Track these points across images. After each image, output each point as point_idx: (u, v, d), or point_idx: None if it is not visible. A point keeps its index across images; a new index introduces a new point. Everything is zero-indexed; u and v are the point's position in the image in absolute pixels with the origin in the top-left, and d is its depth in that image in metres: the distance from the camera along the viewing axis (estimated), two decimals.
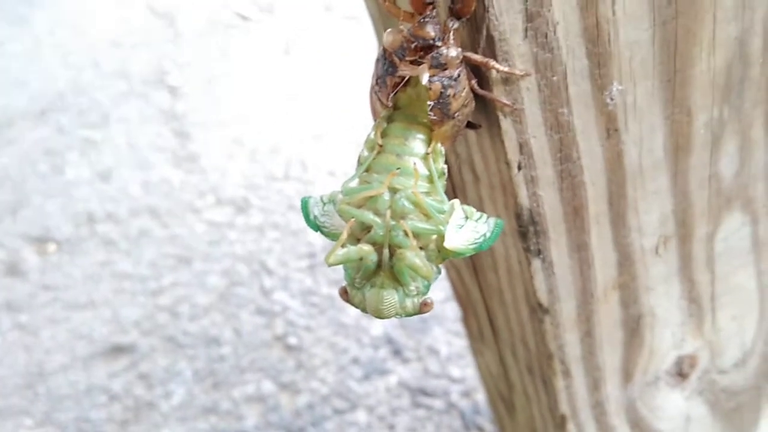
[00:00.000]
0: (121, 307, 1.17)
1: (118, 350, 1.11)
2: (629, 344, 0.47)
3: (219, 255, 1.22)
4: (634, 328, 0.47)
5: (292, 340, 1.08)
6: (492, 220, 0.32)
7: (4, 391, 1.10)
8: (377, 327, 1.09)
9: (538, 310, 0.43)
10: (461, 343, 1.06)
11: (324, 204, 0.33)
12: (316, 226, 0.33)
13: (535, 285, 0.42)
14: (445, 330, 1.08)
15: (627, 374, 0.49)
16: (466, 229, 0.32)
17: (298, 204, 1.31)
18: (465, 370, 1.03)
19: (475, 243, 0.32)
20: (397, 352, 1.06)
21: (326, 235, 0.33)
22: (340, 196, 0.32)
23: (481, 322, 0.59)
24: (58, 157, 1.46)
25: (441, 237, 0.31)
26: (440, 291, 1.12)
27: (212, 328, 1.11)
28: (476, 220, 0.32)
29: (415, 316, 1.08)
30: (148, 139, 1.47)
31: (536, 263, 0.41)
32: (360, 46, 1.59)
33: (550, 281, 0.42)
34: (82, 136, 1.49)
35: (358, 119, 1.41)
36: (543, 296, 0.42)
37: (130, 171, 1.40)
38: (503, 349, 0.56)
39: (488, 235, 0.32)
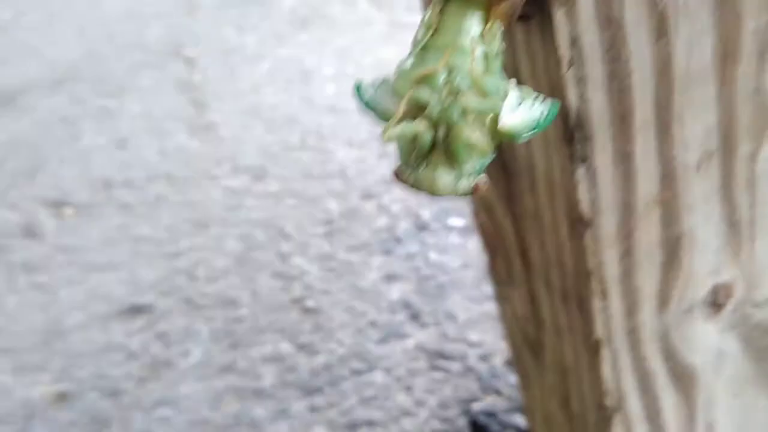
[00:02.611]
0: (138, 268, 1.17)
1: (135, 310, 1.11)
2: (667, 267, 0.47)
3: (236, 220, 1.23)
4: (672, 250, 0.47)
5: (310, 303, 1.08)
6: (548, 101, 0.32)
7: (21, 348, 1.10)
8: (395, 292, 1.09)
9: (579, 224, 0.43)
10: (479, 309, 1.06)
11: (378, 86, 0.33)
12: (370, 108, 0.33)
13: (579, 195, 0.41)
14: (463, 296, 1.08)
15: (663, 300, 0.49)
16: (522, 109, 0.32)
17: (316, 172, 1.32)
18: (483, 335, 1.03)
19: (531, 124, 0.32)
20: (414, 317, 1.06)
21: (379, 116, 0.33)
22: (395, 76, 0.32)
23: (512, 259, 0.59)
24: (74, 124, 1.46)
25: (497, 117, 0.31)
26: (458, 258, 1.12)
27: (230, 290, 1.12)
28: (532, 101, 0.32)
29: (432, 283, 1.06)
30: (165, 108, 1.47)
31: (580, 171, 0.40)
32: (376, 24, 1.59)
33: (593, 192, 0.41)
34: (98, 104, 1.50)
35: None
36: (586, 207, 0.42)
37: (146, 139, 1.41)
38: (535, 282, 0.56)
39: (544, 116, 0.32)
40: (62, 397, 1.03)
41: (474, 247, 1.11)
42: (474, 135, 0.31)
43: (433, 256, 1.12)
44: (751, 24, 0.39)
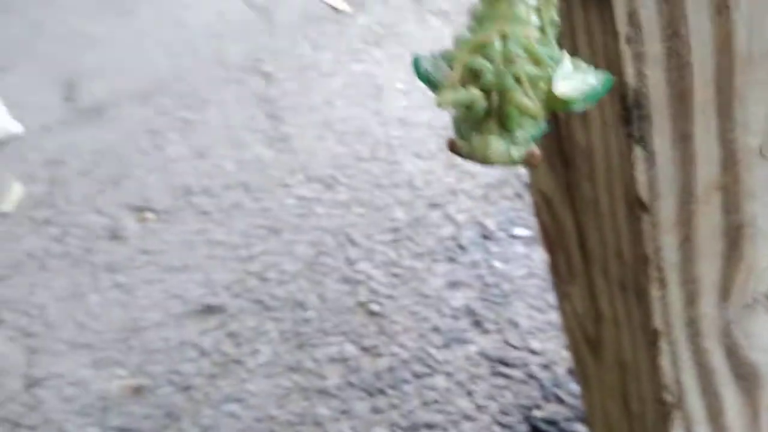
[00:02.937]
0: (213, 271, 1.22)
1: (209, 310, 1.16)
2: (728, 257, 0.47)
3: (307, 227, 1.26)
4: (734, 239, 0.46)
5: (375, 307, 1.10)
6: (602, 73, 0.33)
7: (100, 343, 1.16)
8: (458, 298, 1.10)
9: (637, 208, 0.43)
10: (542, 318, 1.05)
11: (435, 59, 0.35)
12: (426, 79, 0.35)
13: (636, 176, 0.42)
14: (526, 305, 1.08)
15: (724, 291, 0.48)
16: (575, 78, 0.33)
17: (384, 182, 1.34)
18: (545, 344, 1.03)
19: (584, 93, 0.33)
20: (477, 323, 1.06)
21: (435, 86, 0.34)
22: (452, 46, 0.34)
23: (571, 253, 0.60)
24: (158, 135, 1.53)
25: (550, 84, 0.32)
26: (522, 267, 1.12)
27: (298, 293, 1.15)
28: (585, 72, 0.33)
29: (496, 291, 1.06)
30: (243, 120, 1.53)
31: (638, 151, 0.41)
32: (446, 40, 1.61)
33: (651, 173, 0.42)
34: (181, 117, 1.57)
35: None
36: (643, 190, 0.42)
37: (225, 149, 1.47)
38: (594, 274, 0.56)
39: (599, 85, 0.33)
40: (138, 391, 1.08)
41: (538, 257, 1.10)
42: (527, 101, 0.32)
43: (497, 264, 1.12)
44: None
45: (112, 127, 1.57)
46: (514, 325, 1.05)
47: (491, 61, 0.32)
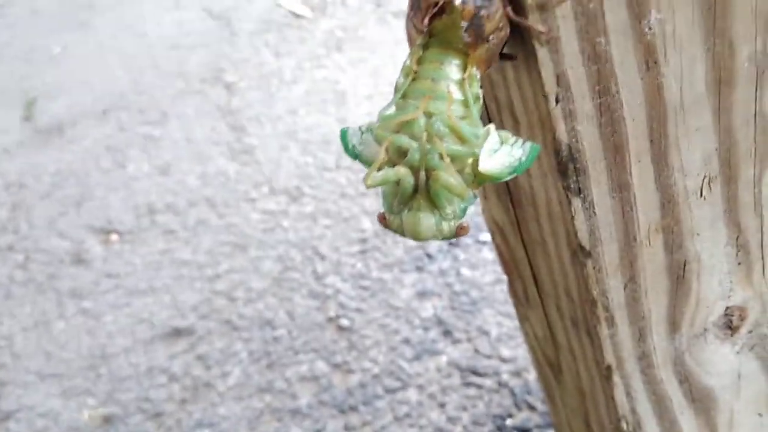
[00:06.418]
0: (180, 292, 1.20)
1: (177, 333, 1.15)
2: (675, 292, 0.47)
3: (273, 242, 1.25)
4: (679, 275, 0.46)
5: (344, 322, 1.10)
6: (528, 144, 0.33)
7: (68, 372, 1.15)
8: (427, 309, 1.10)
9: (580, 254, 0.43)
10: (511, 324, 1.06)
11: (362, 133, 0.34)
12: (355, 155, 0.34)
13: (576, 226, 0.42)
14: (495, 312, 1.08)
15: (673, 325, 0.49)
16: (501, 153, 0.33)
17: (350, 192, 1.33)
18: (515, 351, 1.03)
19: (511, 167, 0.32)
20: (447, 333, 1.06)
21: (364, 162, 0.34)
22: (377, 124, 0.33)
23: (526, 282, 0.60)
24: (119, 153, 1.51)
25: (476, 160, 0.32)
26: (491, 274, 1.12)
27: (267, 311, 1.14)
28: (511, 145, 0.33)
29: (464, 299, 1.06)
30: (205, 133, 1.51)
31: (576, 203, 0.41)
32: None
33: (591, 222, 0.42)
34: (142, 132, 1.55)
35: None
36: (584, 237, 0.42)
37: (188, 164, 1.45)
38: (548, 306, 0.56)
39: (524, 159, 0.33)
40: (108, 420, 1.07)
41: None
42: (452, 180, 0.31)
43: (465, 271, 1.12)
44: (745, 50, 0.39)
45: (73, 147, 1.54)
46: (484, 333, 1.06)
47: (416, 139, 0.32)
